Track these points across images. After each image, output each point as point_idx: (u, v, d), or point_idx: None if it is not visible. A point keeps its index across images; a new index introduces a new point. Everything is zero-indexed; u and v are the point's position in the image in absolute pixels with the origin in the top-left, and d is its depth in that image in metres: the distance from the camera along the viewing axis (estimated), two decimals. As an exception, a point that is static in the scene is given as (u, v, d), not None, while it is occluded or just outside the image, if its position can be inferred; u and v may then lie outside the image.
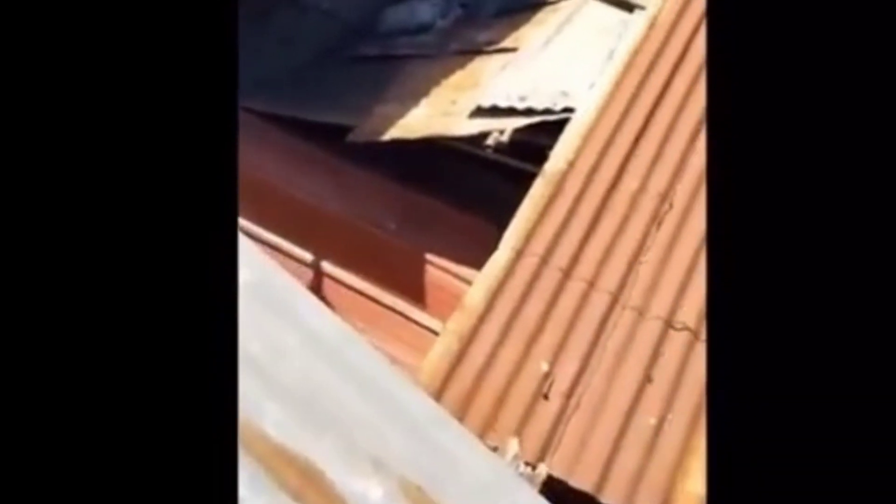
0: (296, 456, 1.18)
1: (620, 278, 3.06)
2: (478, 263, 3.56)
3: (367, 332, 4.03)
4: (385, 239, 4.16)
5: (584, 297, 3.00)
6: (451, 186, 4.23)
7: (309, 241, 4.05)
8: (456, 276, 4.06)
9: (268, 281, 1.37)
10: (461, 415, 2.71)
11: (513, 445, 2.60)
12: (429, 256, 4.15)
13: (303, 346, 1.32)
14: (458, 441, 1.48)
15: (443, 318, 3.87)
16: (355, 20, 5.26)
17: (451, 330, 2.89)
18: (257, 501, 1.08)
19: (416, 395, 1.55)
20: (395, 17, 5.10)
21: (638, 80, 3.63)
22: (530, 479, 2.46)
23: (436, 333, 3.80)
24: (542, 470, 2.57)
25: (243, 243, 1.26)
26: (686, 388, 2.84)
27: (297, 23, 5.27)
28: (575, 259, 3.08)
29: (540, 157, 3.51)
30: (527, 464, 2.55)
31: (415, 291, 4.13)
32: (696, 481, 2.64)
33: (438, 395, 2.72)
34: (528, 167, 3.69)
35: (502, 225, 3.30)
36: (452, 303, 3.89)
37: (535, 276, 3.03)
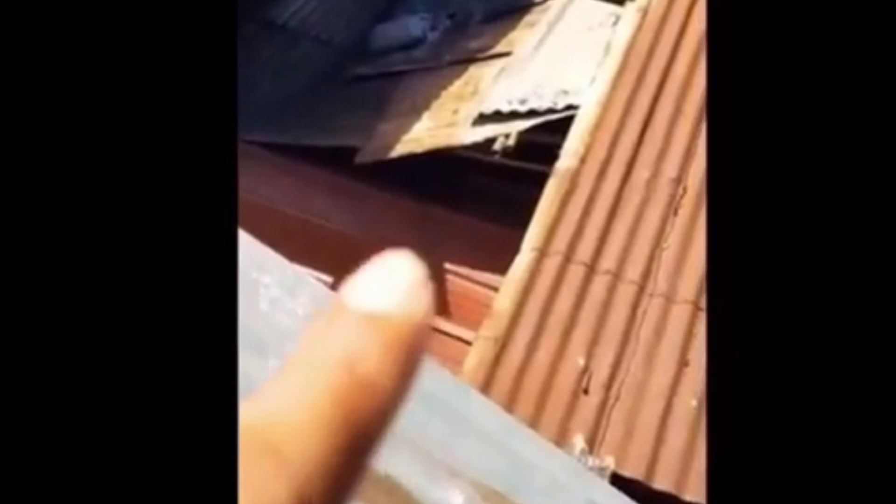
0: (377, 474, 1.22)
1: (644, 267, 3.11)
2: (498, 268, 3.63)
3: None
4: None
5: (612, 290, 3.05)
6: (463, 195, 4.30)
7: (327, 264, 4.11)
8: (478, 282, 4.12)
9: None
10: (506, 417, 2.76)
11: (578, 441, 2.65)
12: (448, 266, 4.22)
13: None
14: (529, 444, 1.52)
15: (469, 326, 3.92)
16: (347, 42, 5.34)
17: (485, 336, 2.95)
18: None
19: (483, 405, 1.59)
20: (385, 34, 5.19)
21: (638, 70, 3.70)
22: (601, 472, 2.51)
23: (464, 342, 3.86)
24: (610, 462, 2.61)
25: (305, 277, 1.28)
26: (723, 367, 2.89)
27: (289, 51, 5.34)
28: (597, 253, 3.14)
29: (549, 156, 3.57)
30: (593, 456, 2.60)
31: (438, 302, 4.19)
32: (744, 458, 2.69)
33: (481, 401, 2.77)
34: (538, 167, 3.76)
35: (519, 227, 3.36)
36: (477, 310, 3.95)
37: (561, 274, 3.08)
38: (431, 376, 1.41)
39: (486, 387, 2.82)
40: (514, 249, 3.27)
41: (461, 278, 4.14)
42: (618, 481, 2.74)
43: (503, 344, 2.90)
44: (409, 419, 1.38)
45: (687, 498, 2.64)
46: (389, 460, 1.25)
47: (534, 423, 2.75)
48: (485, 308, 3.60)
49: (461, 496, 1.33)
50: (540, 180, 3.50)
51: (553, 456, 1.63)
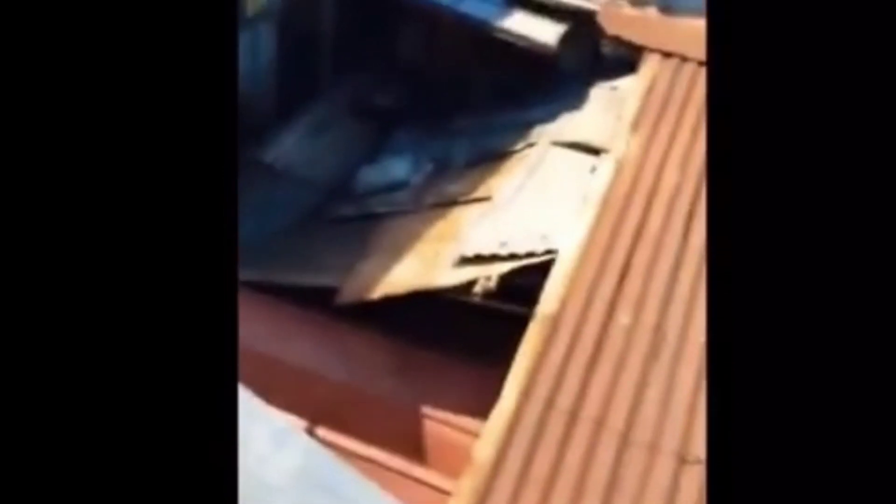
0: None
1: (627, 415, 3.10)
2: (477, 412, 3.57)
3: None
4: (381, 397, 4.16)
5: (594, 438, 3.02)
6: (444, 336, 4.29)
7: (303, 405, 4.04)
8: (456, 427, 4.04)
9: (314, 464, 1.38)
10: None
11: None
12: (427, 410, 4.14)
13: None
14: None
15: (447, 473, 3.82)
16: (331, 183, 5.48)
17: (466, 488, 2.88)
18: None
19: None
20: (369, 177, 5.35)
21: (614, 220, 3.82)
22: None
23: (441, 491, 3.75)
24: None
25: (288, 427, 1.29)
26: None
27: (272, 190, 5.46)
28: (580, 399, 3.12)
29: (529, 297, 3.62)
30: None
31: (416, 448, 4.09)
32: None
33: (461, 557, 2.67)
34: (519, 309, 3.79)
35: (499, 370, 3.35)
36: (456, 456, 3.86)
37: (543, 422, 3.06)
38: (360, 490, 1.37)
39: (465, 542, 2.73)
40: (495, 392, 3.24)
41: (439, 423, 4.06)
42: None
43: (484, 496, 2.83)
44: None
45: None
46: None
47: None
48: (464, 454, 3.53)
49: None
50: (520, 322, 3.52)
51: None
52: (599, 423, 3.05)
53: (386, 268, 4.47)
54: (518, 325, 3.49)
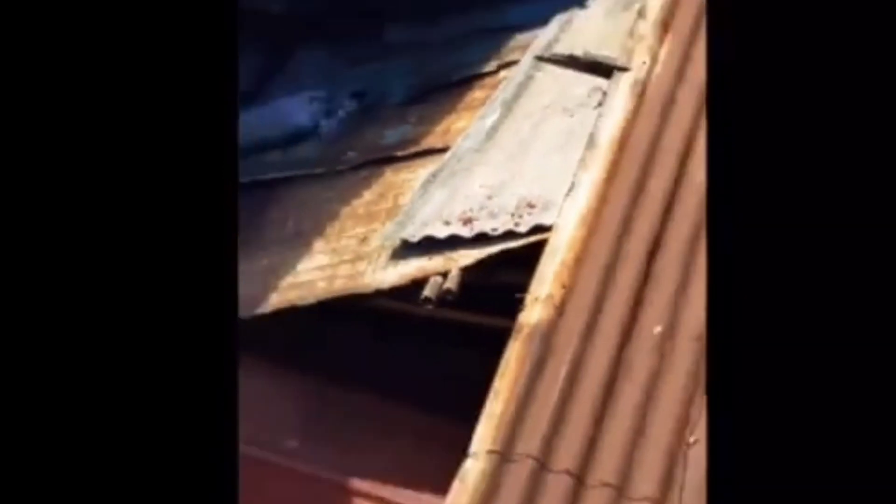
0: None
1: (659, 482, 3.14)
2: (431, 484, 3.59)
3: None
4: (284, 466, 4.18)
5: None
6: (375, 369, 4.30)
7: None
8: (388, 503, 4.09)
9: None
10: None
11: None
12: (353, 483, 4.18)
13: None
14: None
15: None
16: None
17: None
18: None
19: None
20: (255, 123, 5.29)
21: (636, 173, 3.84)
22: None
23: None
24: None
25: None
26: None
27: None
28: (586, 459, 3.13)
29: (505, 303, 3.63)
30: None
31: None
32: None
33: None
34: (492, 321, 3.81)
35: (463, 417, 3.37)
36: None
37: (533, 487, 3.06)
38: None
39: None
40: (451, 450, 3.28)
41: (366, 499, 4.13)
42: None
43: None
44: None
45: None
46: None
47: None
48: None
49: None
50: (494, 340, 3.54)
51: None
52: (620, 492, 3.08)
53: (287, 265, 4.46)
54: (490, 346, 3.51)
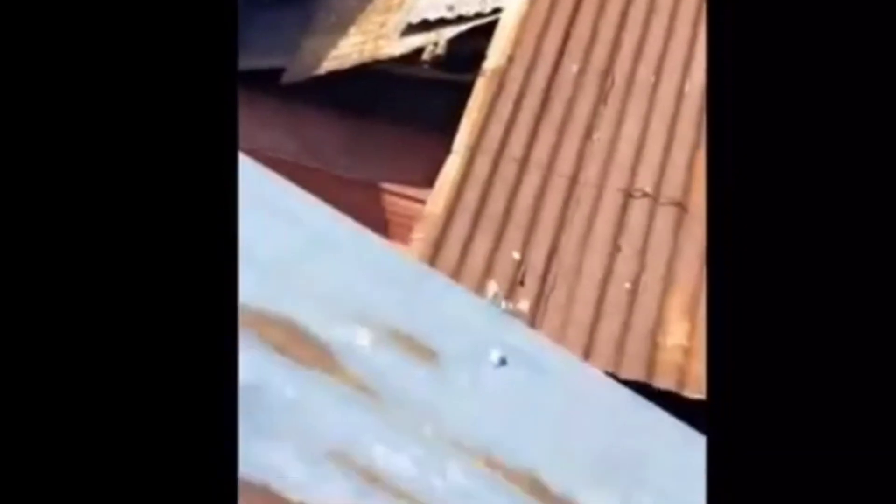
0: (277, 316, 1.40)
1: (575, 159, 3.38)
2: (432, 183, 3.85)
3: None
4: (337, 175, 4.43)
5: (544, 183, 3.32)
6: (395, 110, 4.51)
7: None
8: (416, 199, 4.35)
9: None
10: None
11: (492, 286, 2.93)
12: (385, 185, 4.44)
13: (286, 227, 1.57)
14: (444, 290, 1.74)
15: (408, 244, 4.16)
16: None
17: (420, 238, 3.19)
18: (242, 357, 1.22)
19: (397, 256, 1.79)
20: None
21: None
22: (515, 314, 2.80)
23: (408, 261, 4.09)
24: (524, 304, 2.91)
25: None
26: (654, 249, 3.19)
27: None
28: (529, 147, 3.39)
29: (479, 63, 3.77)
30: (508, 300, 2.89)
31: (375, 223, 4.41)
32: (675, 333, 3.00)
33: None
34: (470, 77, 3.96)
35: (453, 138, 3.58)
36: (414, 227, 4.18)
37: (493, 172, 3.34)
38: (337, 226, 1.60)
39: (422, 286, 3.08)
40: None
41: (399, 197, 4.37)
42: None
43: (437, 244, 3.15)
44: (315, 267, 1.55)
45: (623, 376, 2.94)
46: (293, 305, 1.42)
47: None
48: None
49: (368, 337, 1.52)
50: (471, 89, 3.70)
51: (463, 298, 1.86)
52: (549, 169, 3.32)
53: (332, 43, 4.58)
54: (469, 93, 3.68)
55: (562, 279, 3.14)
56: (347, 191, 4.42)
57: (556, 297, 3.11)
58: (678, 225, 3.26)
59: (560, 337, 3.02)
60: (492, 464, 1.39)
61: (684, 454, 1.56)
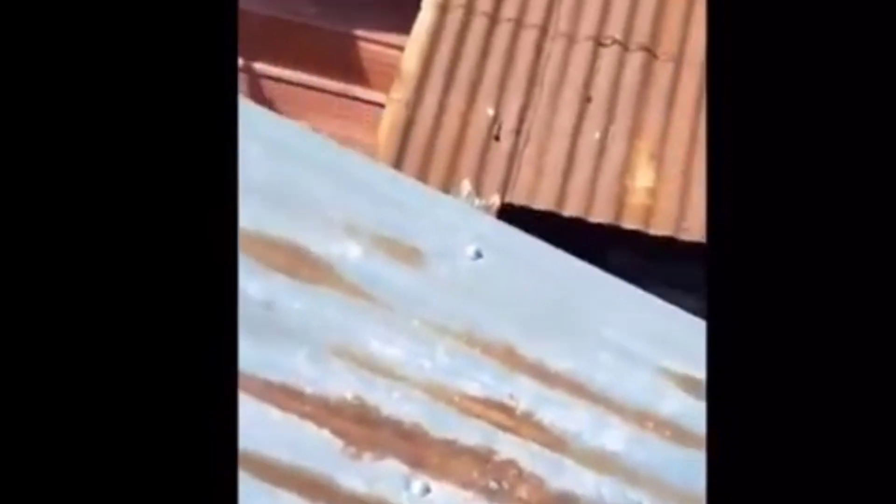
0: (276, 239, 1.61)
1: (545, 9, 3.43)
2: (407, 28, 3.90)
3: (317, 122, 4.46)
4: (309, 25, 4.44)
5: (514, 36, 3.40)
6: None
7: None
8: (388, 45, 4.39)
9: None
10: (423, 174, 3.22)
11: (465, 185, 3.13)
12: (357, 32, 4.47)
13: (264, 151, 1.70)
14: (418, 195, 1.93)
15: (384, 90, 4.25)
16: None
17: (395, 99, 3.32)
18: (252, 285, 1.39)
19: (371, 167, 1.96)
20: None
21: None
22: (487, 209, 3.02)
23: (380, 105, 4.21)
24: (495, 199, 3.12)
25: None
26: (623, 98, 3.33)
27: None
28: (498, 1, 3.43)
29: None
30: (479, 197, 3.10)
31: (352, 71, 4.48)
32: (642, 177, 3.21)
33: (398, 162, 3.21)
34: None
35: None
36: (391, 73, 4.26)
37: (464, 27, 3.41)
38: (313, 144, 1.76)
39: (402, 148, 3.25)
40: (418, 7, 3.52)
41: (371, 43, 4.41)
42: (531, 214, 3.28)
43: (414, 105, 3.28)
44: (300, 184, 1.73)
45: (593, 219, 3.18)
46: (285, 223, 1.60)
47: (450, 175, 3.22)
48: (396, 70, 3.90)
49: (358, 247, 1.72)
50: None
51: (438, 200, 2.04)
52: (518, 22, 3.39)
53: None
54: None
55: (535, 132, 3.30)
56: (320, 41, 4.47)
57: (530, 151, 3.28)
58: (647, 71, 3.38)
59: (533, 190, 3.23)
60: (472, 342, 1.64)
61: (639, 315, 1.81)
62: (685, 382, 1.70)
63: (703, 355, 1.52)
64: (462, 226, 1.76)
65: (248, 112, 1.72)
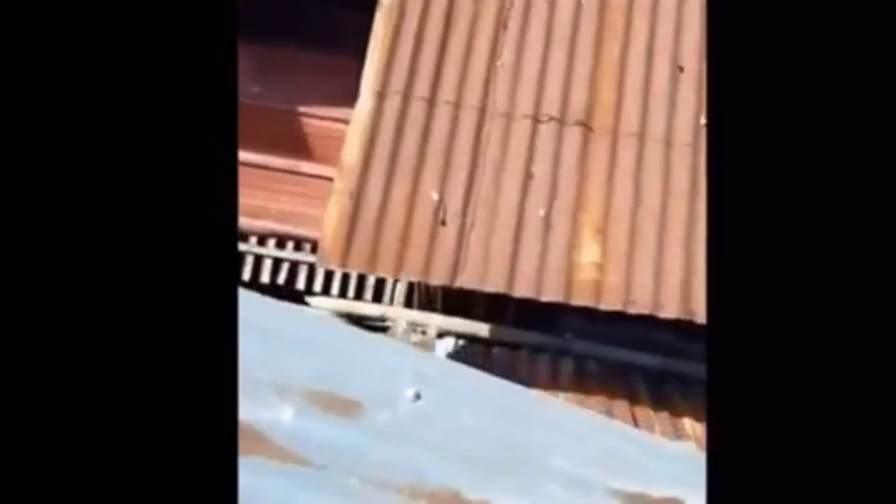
0: None
1: (482, 89, 3.46)
2: (348, 100, 3.90)
3: (266, 199, 4.45)
4: (254, 105, 4.44)
5: (454, 119, 3.42)
6: (304, 33, 4.44)
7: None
8: (332, 119, 4.41)
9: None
10: (371, 266, 3.22)
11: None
12: (302, 109, 4.48)
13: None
14: (352, 339, 1.91)
15: (329, 163, 4.26)
16: None
17: (340, 190, 3.32)
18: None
19: (297, 314, 1.93)
20: None
21: None
22: (423, 345, 3.03)
23: (328, 179, 4.21)
24: (434, 320, 3.13)
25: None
26: (564, 173, 3.36)
27: None
28: (435, 84, 3.45)
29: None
30: (415, 328, 3.11)
31: (298, 146, 4.49)
32: (588, 252, 3.23)
33: (345, 255, 3.21)
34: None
35: (362, 57, 3.59)
36: (335, 146, 4.27)
37: (403, 114, 3.42)
38: (253, 305, 1.72)
39: (348, 239, 3.24)
40: (357, 76, 3.51)
41: (316, 119, 4.42)
42: (480, 297, 3.28)
43: (357, 195, 3.28)
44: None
45: (543, 298, 3.20)
46: None
47: (399, 263, 3.22)
48: (341, 143, 3.91)
49: (291, 409, 1.66)
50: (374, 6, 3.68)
51: (378, 343, 2.00)
52: (457, 105, 3.41)
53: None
54: (373, 9, 3.68)
55: (480, 214, 3.32)
56: (264, 119, 4.47)
57: (477, 233, 3.29)
58: (584, 144, 3.42)
59: (483, 273, 3.24)
60: (416, 495, 1.62)
61: (586, 438, 1.81)
62: (635, 500, 1.71)
63: (653, 470, 1.50)
64: (400, 367, 1.74)
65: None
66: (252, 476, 1.52)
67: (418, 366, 1.76)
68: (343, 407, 1.64)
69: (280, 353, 1.64)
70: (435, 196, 3.34)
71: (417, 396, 1.72)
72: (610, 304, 3.20)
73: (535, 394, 1.90)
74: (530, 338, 3.59)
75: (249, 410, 1.55)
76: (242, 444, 1.53)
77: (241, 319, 1.72)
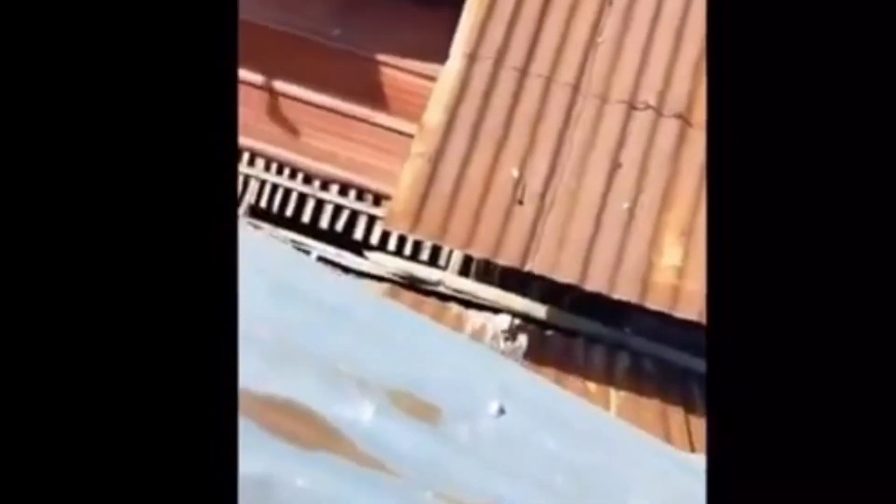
0: (281, 400, 1.45)
1: (578, 67, 3.26)
2: (433, 55, 3.72)
3: (335, 145, 4.31)
4: (333, 47, 4.26)
5: (545, 94, 3.22)
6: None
7: (255, 61, 4.16)
8: (411, 72, 4.22)
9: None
10: (441, 236, 3.07)
11: (490, 327, 2.98)
12: (380, 57, 4.29)
13: (270, 294, 1.56)
14: (436, 341, 1.77)
15: (406, 117, 4.09)
16: None
17: (418, 153, 3.16)
18: (258, 457, 1.28)
19: (387, 310, 1.80)
20: None
21: None
22: (512, 352, 2.87)
23: (402, 134, 4.06)
24: (522, 340, 2.97)
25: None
26: (654, 166, 3.16)
27: None
28: (529, 55, 3.26)
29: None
30: (506, 338, 2.95)
31: (374, 95, 4.31)
32: (671, 255, 3.05)
33: (415, 221, 3.06)
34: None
35: (447, 11, 3.40)
36: (413, 101, 4.10)
37: (492, 81, 3.24)
38: (334, 289, 1.60)
39: (421, 205, 3.09)
40: (445, 33, 3.33)
41: (394, 69, 4.24)
42: (552, 286, 3.13)
43: (436, 160, 3.12)
44: (311, 333, 1.57)
45: (616, 296, 3.03)
46: (291, 381, 1.42)
47: (469, 237, 3.06)
48: (420, 98, 3.74)
49: (371, 406, 1.55)
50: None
51: (462, 348, 1.87)
52: (549, 79, 3.22)
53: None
54: None
55: (560, 198, 3.14)
56: (337, 62, 4.30)
57: (554, 218, 3.12)
58: (680, 140, 3.21)
59: (555, 259, 3.08)
60: (494, 511, 1.50)
61: (666, 481, 1.67)
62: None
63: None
64: (484, 376, 1.61)
65: (251, 242, 1.56)
66: (325, 474, 1.41)
67: (503, 377, 1.63)
68: (423, 412, 1.52)
69: (363, 346, 1.51)
70: (515, 173, 3.16)
71: (501, 411, 1.59)
72: (685, 312, 3.03)
73: (615, 419, 1.76)
74: (586, 326, 3.44)
75: (328, 404, 1.44)
76: (319, 438, 1.42)
77: (328, 307, 1.60)
